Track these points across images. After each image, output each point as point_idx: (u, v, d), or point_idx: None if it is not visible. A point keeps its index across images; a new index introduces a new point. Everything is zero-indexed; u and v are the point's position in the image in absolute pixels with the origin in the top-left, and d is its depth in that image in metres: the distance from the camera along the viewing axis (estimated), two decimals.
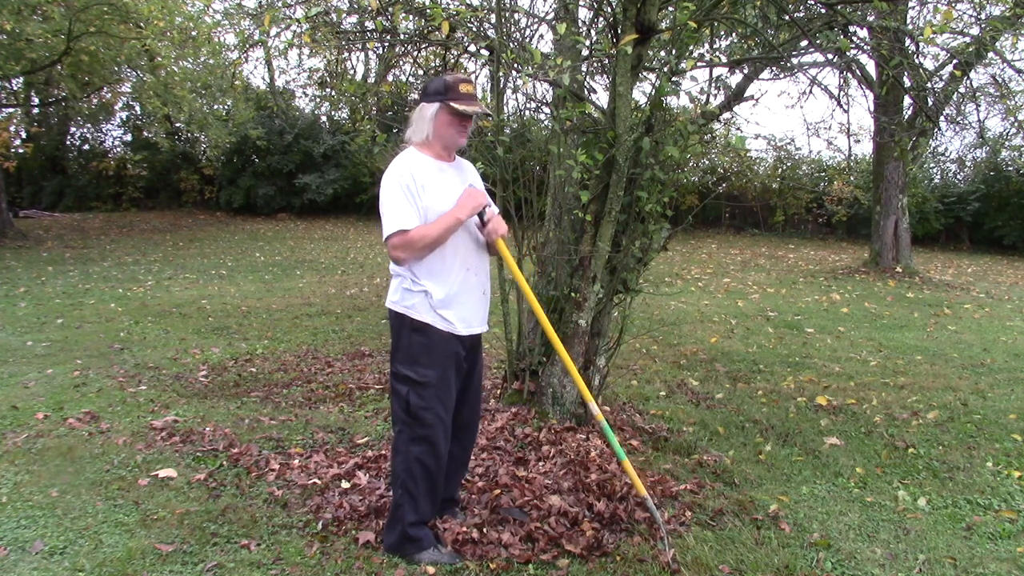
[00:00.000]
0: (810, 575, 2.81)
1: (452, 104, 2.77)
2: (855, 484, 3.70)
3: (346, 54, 20.15)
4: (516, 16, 4.78)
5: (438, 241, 2.75)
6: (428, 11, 4.35)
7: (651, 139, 3.79)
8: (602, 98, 5.27)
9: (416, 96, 2.92)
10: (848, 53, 5.60)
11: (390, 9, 4.61)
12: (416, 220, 2.72)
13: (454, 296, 2.82)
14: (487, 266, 2.99)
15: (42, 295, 8.91)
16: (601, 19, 4.59)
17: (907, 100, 11.07)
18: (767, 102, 34.29)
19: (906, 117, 11.49)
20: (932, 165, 18.56)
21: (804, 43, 5.27)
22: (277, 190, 19.72)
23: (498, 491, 3.33)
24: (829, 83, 22.29)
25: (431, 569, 2.76)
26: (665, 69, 4.01)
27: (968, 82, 11.25)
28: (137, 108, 20.81)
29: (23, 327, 7.05)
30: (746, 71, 6.59)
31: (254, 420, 4.44)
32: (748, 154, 18.32)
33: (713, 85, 4.99)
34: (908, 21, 9.15)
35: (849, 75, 9.97)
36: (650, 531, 3.04)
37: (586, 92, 4.53)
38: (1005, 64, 11.29)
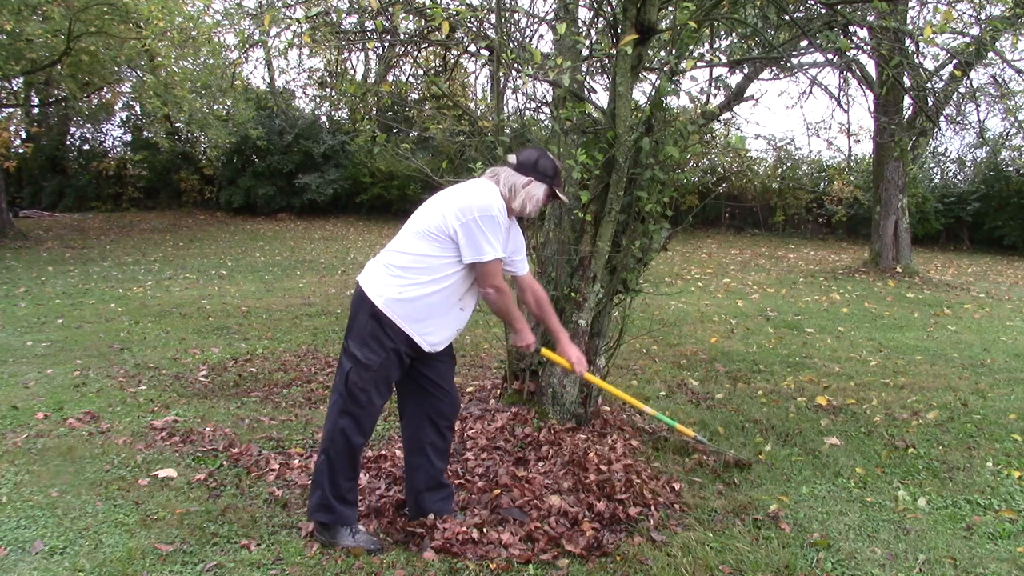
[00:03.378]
0: (810, 575, 2.81)
1: (558, 192, 3.03)
2: (855, 484, 3.70)
3: (346, 54, 20.17)
4: (516, 16, 4.78)
5: (505, 318, 3.10)
6: (428, 11, 4.35)
7: (651, 139, 3.79)
8: (602, 98, 5.27)
9: (514, 159, 3.03)
10: (848, 53, 5.60)
11: (390, 9, 4.60)
12: (504, 248, 2.91)
13: (434, 323, 2.93)
14: (473, 308, 3.11)
15: (42, 295, 8.91)
16: (601, 19, 4.58)
17: (907, 100, 11.07)
18: (767, 102, 34.35)
19: (906, 117, 11.49)
20: (932, 165, 18.57)
21: (804, 43, 5.27)
22: (277, 190, 19.73)
23: (498, 491, 3.32)
24: (829, 83, 22.41)
25: (435, 558, 2.77)
26: (665, 69, 4.01)
27: (968, 82, 11.24)
28: (137, 108, 20.87)
29: (23, 327, 7.06)
30: (746, 71, 6.59)
31: (254, 420, 4.44)
32: (748, 154, 18.34)
33: (713, 85, 5.00)
34: (908, 21, 9.15)
35: (849, 75, 9.97)
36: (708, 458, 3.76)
37: (586, 92, 4.53)
38: (1005, 64, 11.30)
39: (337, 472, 2.92)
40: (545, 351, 3.22)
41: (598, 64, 5.00)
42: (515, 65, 4.16)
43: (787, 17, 4.71)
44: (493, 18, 4.33)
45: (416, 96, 13.83)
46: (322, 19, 5.35)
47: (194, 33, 12.42)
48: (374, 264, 2.97)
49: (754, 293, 10.12)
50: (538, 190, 2.95)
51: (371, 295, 2.89)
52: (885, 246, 12.28)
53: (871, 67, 10.41)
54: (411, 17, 5.02)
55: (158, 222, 18.63)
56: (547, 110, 4.69)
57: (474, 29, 4.57)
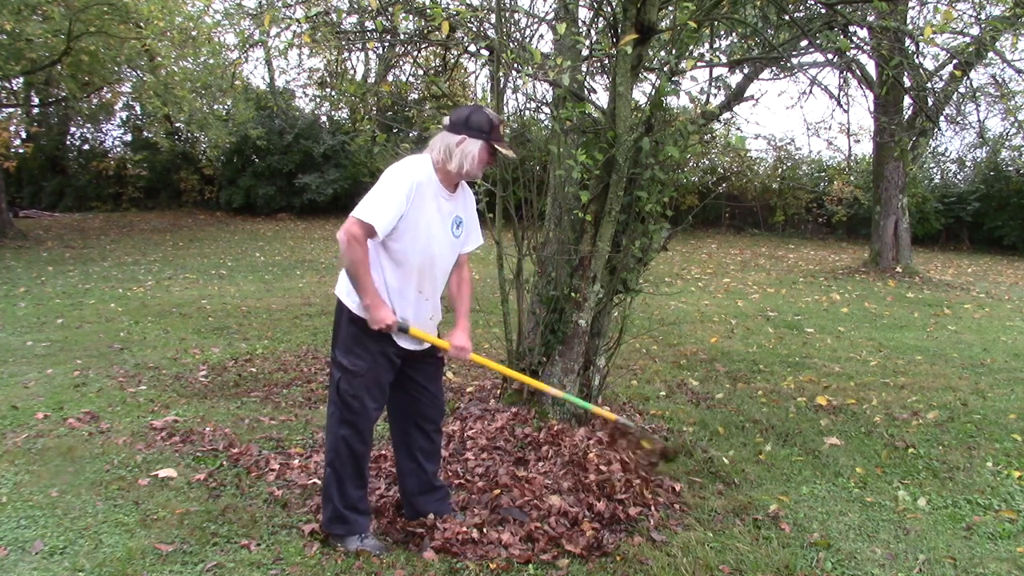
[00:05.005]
0: (810, 575, 2.81)
1: (497, 146, 2.85)
2: (855, 484, 3.70)
3: (346, 54, 20.16)
4: (516, 16, 4.78)
5: (357, 286, 2.78)
6: (428, 11, 4.35)
7: (651, 139, 3.79)
8: (602, 98, 5.27)
9: (448, 120, 2.93)
10: (848, 53, 5.60)
11: (390, 9, 4.60)
12: (388, 225, 2.72)
13: (401, 314, 2.88)
14: (439, 294, 3.04)
15: (42, 295, 8.91)
16: (601, 19, 4.58)
17: (907, 100, 11.07)
18: (767, 102, 34.37)
19: (906, 117, 11.49)
20: (932, 165, 18.57)
21: (804, 43, 5.27)
22: (277, 190, 19.71)
23: (498, 491, 3.33)
24: (829, 83, 22.33)
25: (435, 558, 2.78)
26: (665, 69, 4.01)
27: (968, 82, 11.26)
28: (137, 108, 20.84)
29: (23, 327, 7.05)
30: (746, 71, 6.60)
31: (254, 420, 4.45)
32: (748, 154, 18.33)
33: (713, 85, 5.00)
34: (908, 21, 9.15)
35: (849, 75, 9.98)
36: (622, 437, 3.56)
37: (586, 92, 4.53)
38: (1005, 64, 11.29)
39: (345, 482, 2.91)
40: (414, 330, 2.89)
41: (598, 64, 5.00)
42: (515, 65, 4.16)
43: (787, 17, 4.72)
44: (493, 18, 4.33)
45: (416, 96, 13.83)
46: (322, 19, 5.35)
47: (194, 33, 12.41)
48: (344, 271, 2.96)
49: (754, 293, 10.12)
50: (473, 147, 2.81)
51: (345, 301, 2.90)
52: (885, 246, 12.28)
53: (871, 67, 10.42)
54: (411, 17, 5.02)
55: (158, 222, 18.62)
56: (547, 110, 4.69)
57: (474, 29, 4.57)
